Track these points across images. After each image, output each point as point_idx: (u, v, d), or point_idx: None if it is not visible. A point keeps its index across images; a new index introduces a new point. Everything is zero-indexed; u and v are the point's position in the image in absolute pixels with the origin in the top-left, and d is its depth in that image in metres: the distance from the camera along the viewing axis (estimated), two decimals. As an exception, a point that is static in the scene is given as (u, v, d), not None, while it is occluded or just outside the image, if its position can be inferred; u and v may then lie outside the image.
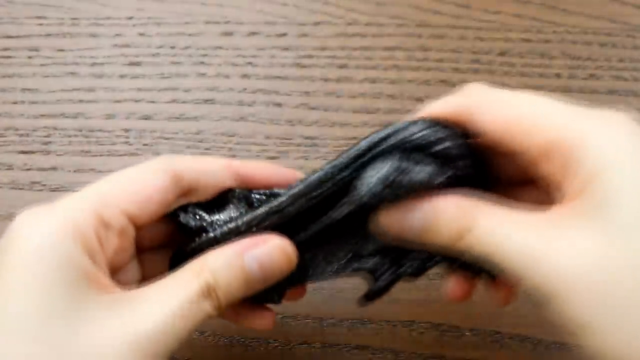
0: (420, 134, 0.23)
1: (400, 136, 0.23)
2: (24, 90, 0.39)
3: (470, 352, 0.31)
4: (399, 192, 0.22)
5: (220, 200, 0.25)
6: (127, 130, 0.37)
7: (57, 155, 0.37)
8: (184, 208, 0.25)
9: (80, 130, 0.37)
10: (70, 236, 0.20)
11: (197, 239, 0.24)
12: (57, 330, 0.19)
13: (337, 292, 0.32)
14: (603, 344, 0.18)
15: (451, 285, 0.26)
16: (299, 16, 0.42)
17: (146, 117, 0.38)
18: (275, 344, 0.31)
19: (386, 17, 0.42)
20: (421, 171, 0.22)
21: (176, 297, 0.20)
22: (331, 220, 0.24)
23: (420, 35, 0.41)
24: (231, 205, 0.25)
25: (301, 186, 0.23)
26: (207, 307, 0.21)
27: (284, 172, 0.26)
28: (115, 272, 0.23)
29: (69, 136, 0.37)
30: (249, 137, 0.37)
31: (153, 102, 0.39)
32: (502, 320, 0.31)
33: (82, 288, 0.20)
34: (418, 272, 0.25)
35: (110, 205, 0.22)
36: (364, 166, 0.23)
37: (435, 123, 0.23)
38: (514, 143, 0.22)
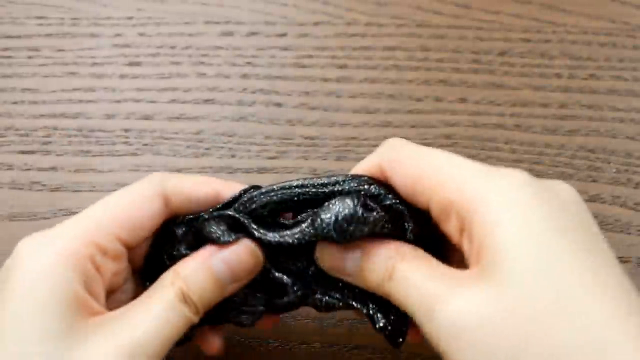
0: (365, 187, 0.24)
1: (347, 186, 0.24)
2: (24, 90, 0.39)
3: (470, 352, 0.31)
4: (360, 231, 0.22)
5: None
6: (127, 130, 0.37)
7: (57, 155, 0.37)
8: (176, 222, 0.26)
9: (80, 130, 0.37)
10: (68, 267, 0.22)
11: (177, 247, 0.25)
12: (53, 350, 0.20)
13: (337, 292, 0.32)
14: None
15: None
16: (299, 16, 0.42)
17: (146, 117, 0.38)
18: (275, 344, 0.31)
19: (386, 17, 0.42)
20: (376, 217, 0.22)
21: (158, 305, 0.22)
22: (285, 242, 0.24)
23: (420, 35, 0.41)
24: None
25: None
26: (186, 311, 0.22)
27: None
28: (114, 292, 0.25)
29: (69, 136, 0.37)
30: (249, 137, 0.37)
31: (153, 102, 0.39)
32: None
33: (75, 314, 0.21)
34: (328, 307, 0.25)
35: (105, 232, 0.23)
36: (327, 197, 0.23)
37: (373, 180, 0.24)
38: (420, 201, 0.23)
